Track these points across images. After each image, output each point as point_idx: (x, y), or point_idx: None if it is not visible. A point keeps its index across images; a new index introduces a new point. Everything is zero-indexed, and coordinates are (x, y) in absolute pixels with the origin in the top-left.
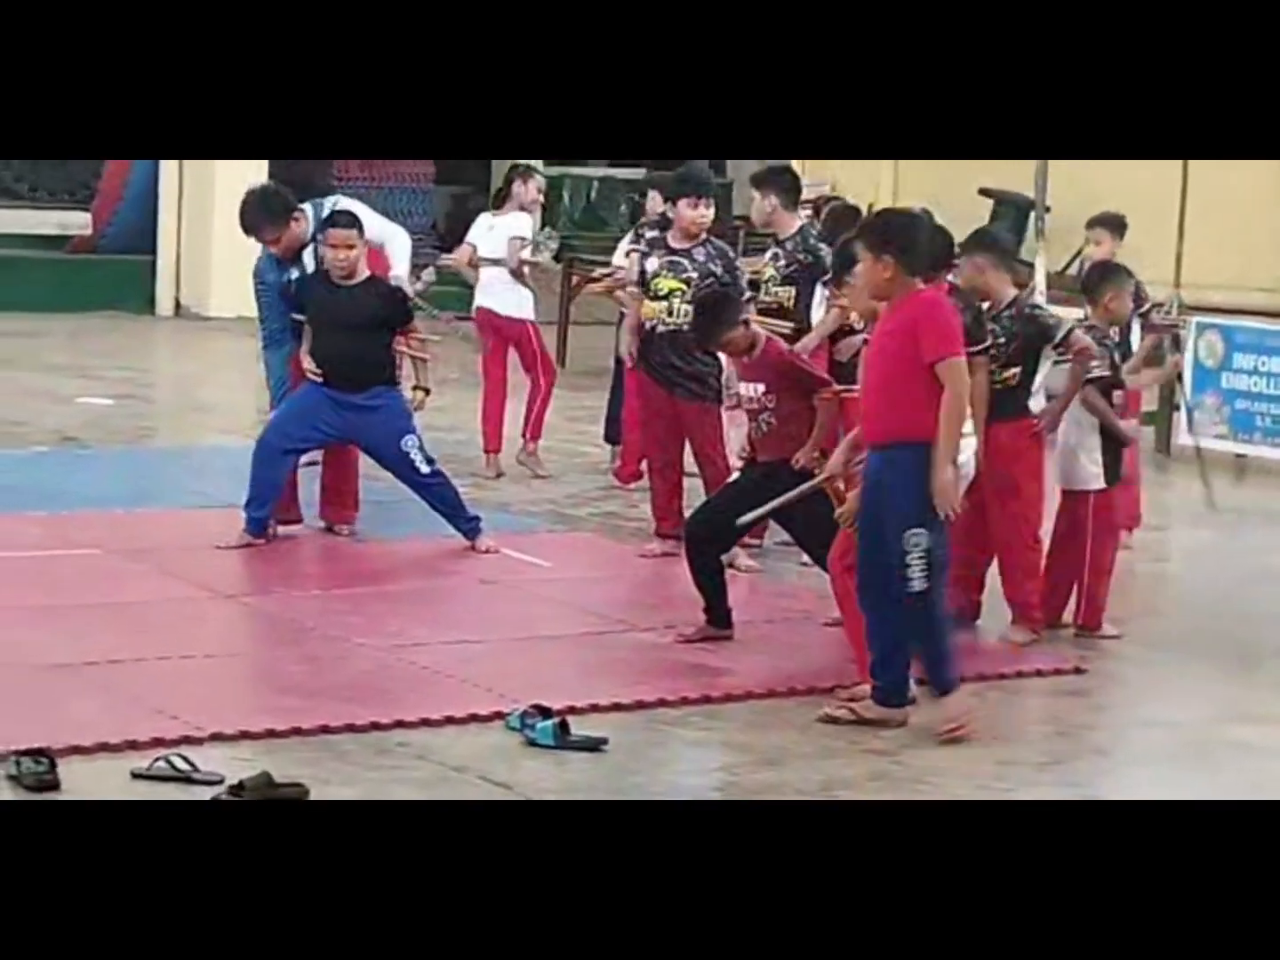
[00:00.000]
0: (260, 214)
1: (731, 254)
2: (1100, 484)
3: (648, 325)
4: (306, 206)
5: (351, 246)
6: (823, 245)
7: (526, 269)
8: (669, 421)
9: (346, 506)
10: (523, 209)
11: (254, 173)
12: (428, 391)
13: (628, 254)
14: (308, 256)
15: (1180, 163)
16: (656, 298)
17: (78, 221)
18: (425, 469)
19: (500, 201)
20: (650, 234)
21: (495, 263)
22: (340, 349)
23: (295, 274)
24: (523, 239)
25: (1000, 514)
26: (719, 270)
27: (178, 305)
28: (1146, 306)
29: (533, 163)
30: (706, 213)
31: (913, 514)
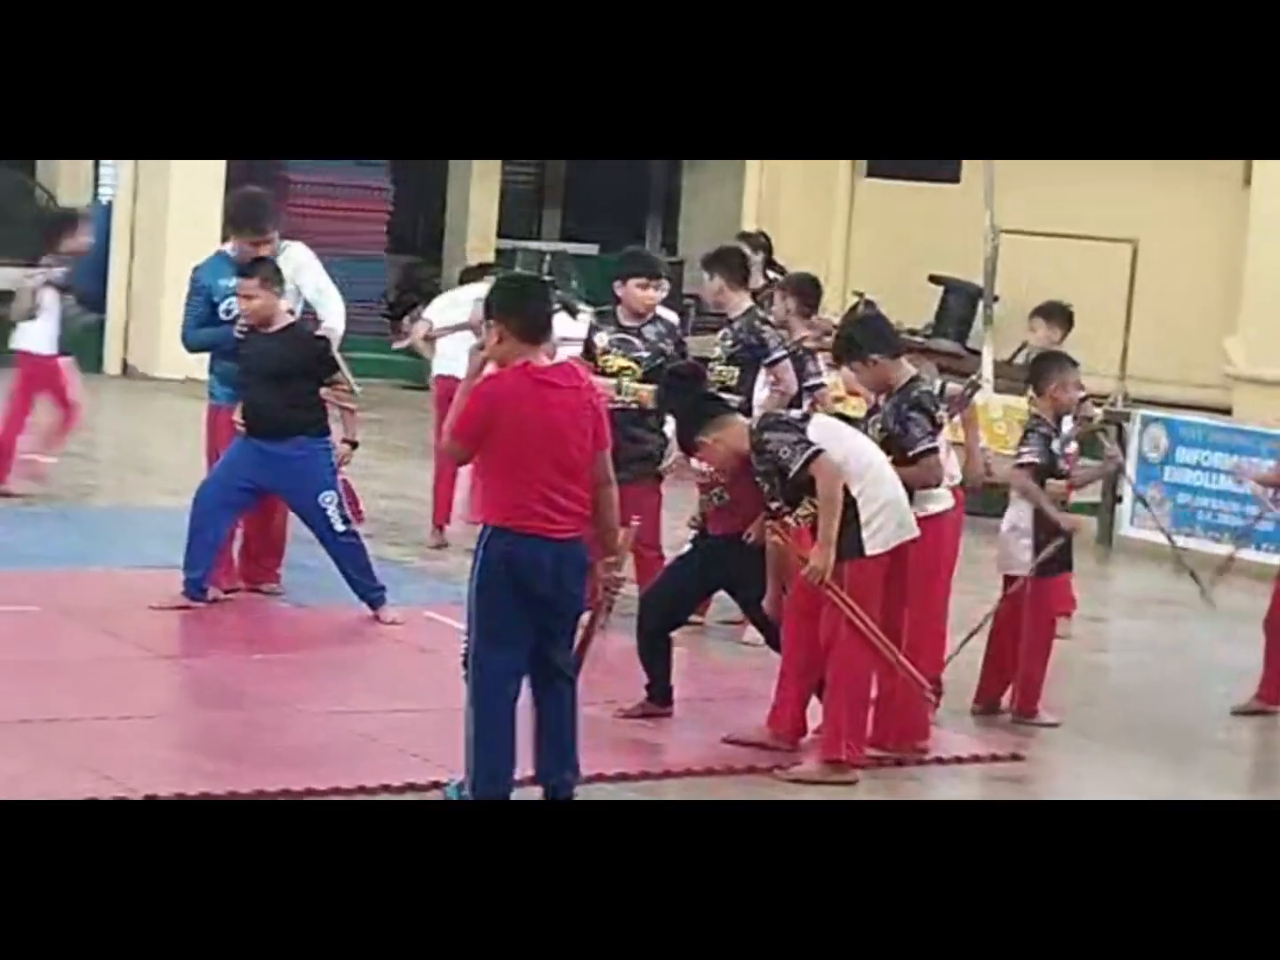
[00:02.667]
0: (269, 210)
1: (679, 331)
2: (1028, 570)
3: None
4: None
5: (250, 297)
6: (768, 328)
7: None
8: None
9: (269, 566)
10: None
11: (208, 237)
12: (354, 445)
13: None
14: None
15: (1130, 255)
16: (604, 374)
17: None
18: (340, 527)
19: (466, 281)
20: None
21: (458, 328)
22: (263, 397)
23: (230, 285)
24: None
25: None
26: (669, 349)
27: (125, 365)
28: (1080, 394)
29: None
30: (657, 294)
31: None
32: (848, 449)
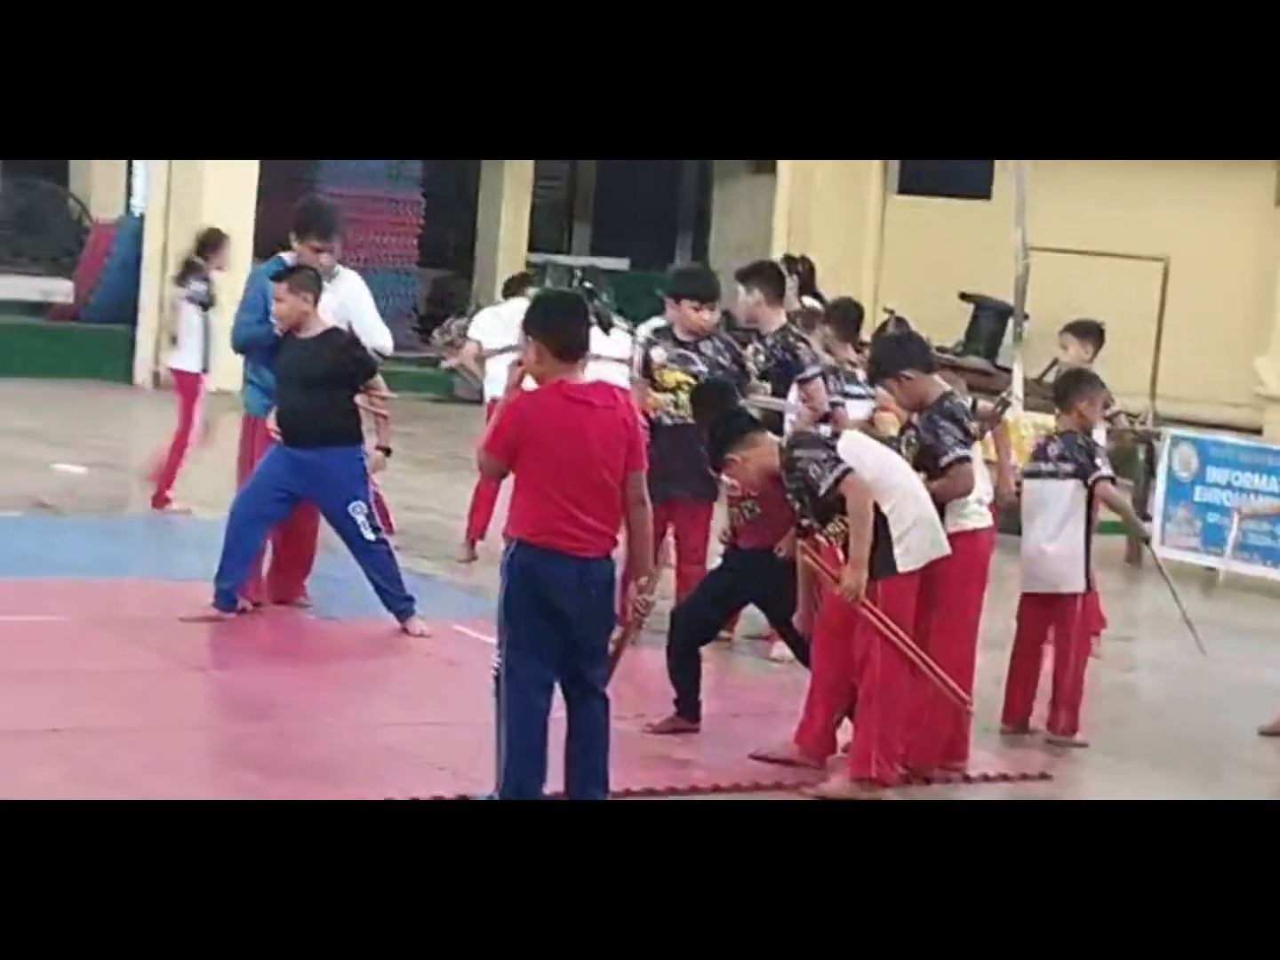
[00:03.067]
0: (331, 218)
1: (738, 346)
2: (1083, 587)
3: (653, 417)
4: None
5: (279, 300)
6: (801, 344)
7: None
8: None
9: (297, 578)
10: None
11: (240, 249)
12: (388, 451)
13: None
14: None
15: (1161, 274)
16: (662, 389)
17: (60, 289)
18: (370, 536)
19: (511, 293)
20: (657, 323)
21: (509, 349)
22: (297, 403)
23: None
24: None
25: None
26: (727, 363)
27: (156, 376)
28: (1110, 411)
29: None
30: (710, 317)
31: None
32: (878, 467)
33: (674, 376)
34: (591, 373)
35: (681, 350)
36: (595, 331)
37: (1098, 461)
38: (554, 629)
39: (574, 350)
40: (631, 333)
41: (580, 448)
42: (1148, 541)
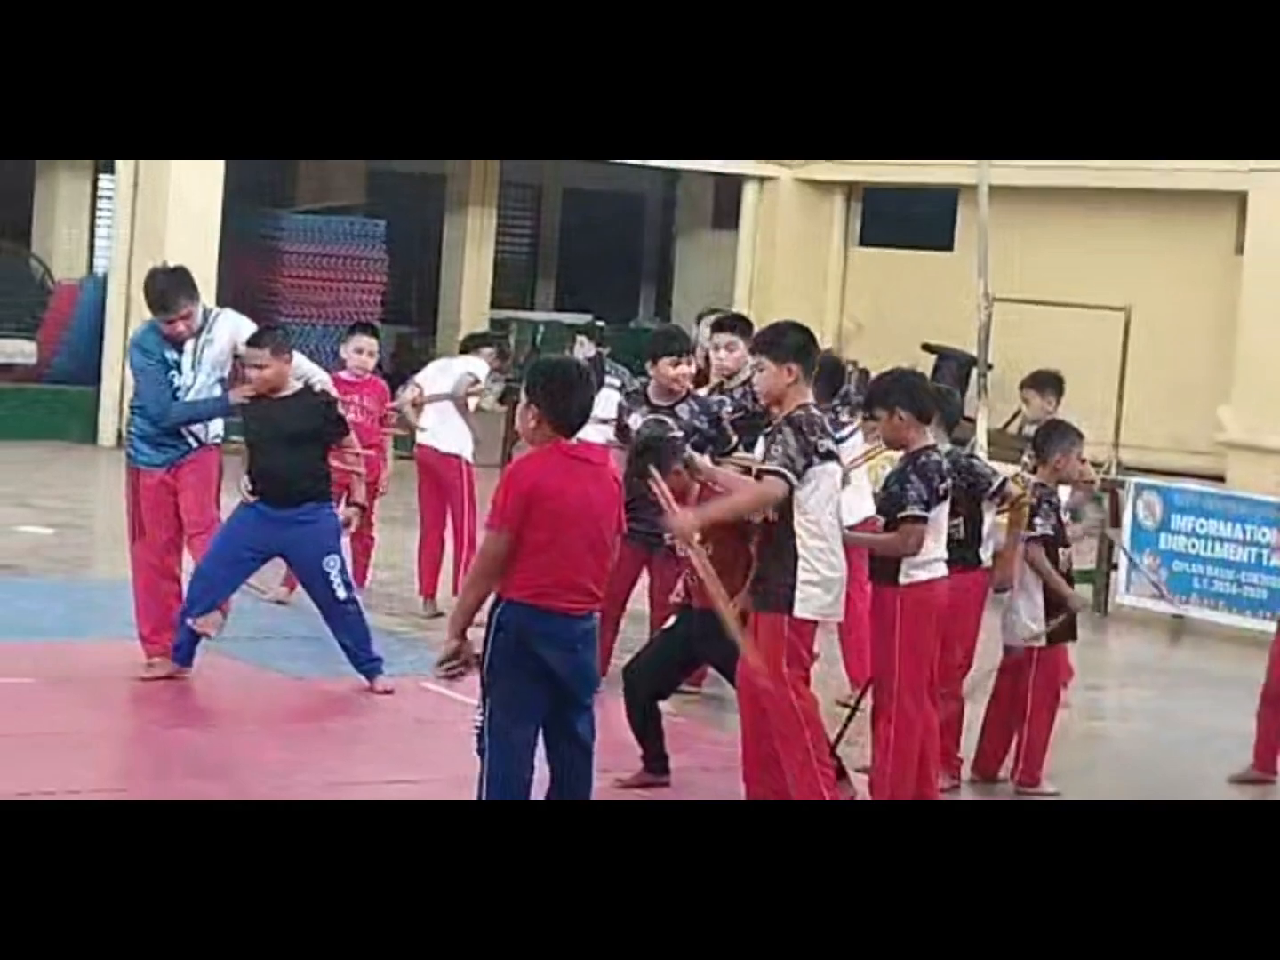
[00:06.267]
0: (174, 285)
1: (714, 408)
2: (1040, 641)
3: None
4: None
5: (263, 366)
6: None
7: (471, 401)
8: (629, 578)
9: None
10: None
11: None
12: (363, 509)
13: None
14: (188, 350)
15: (1123, 323)
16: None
17: (23, 350)
18: (342, 594)
19: (467, 350)
20: (630, 387)
21: (441, 396)
22: (273, 463)
23: (174, 356)
24: (476, 378)
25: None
26: (704, 425)
27: (120, 436)
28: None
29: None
30: (688, 370)
31: None
32: (833, 506)
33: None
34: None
35: (656, 415)
36: None
37: (1036, 521)
38: (542, 688)
39: (575, 425)
40: (621, 389)
41: (585, 506)
42: (1072, 606)
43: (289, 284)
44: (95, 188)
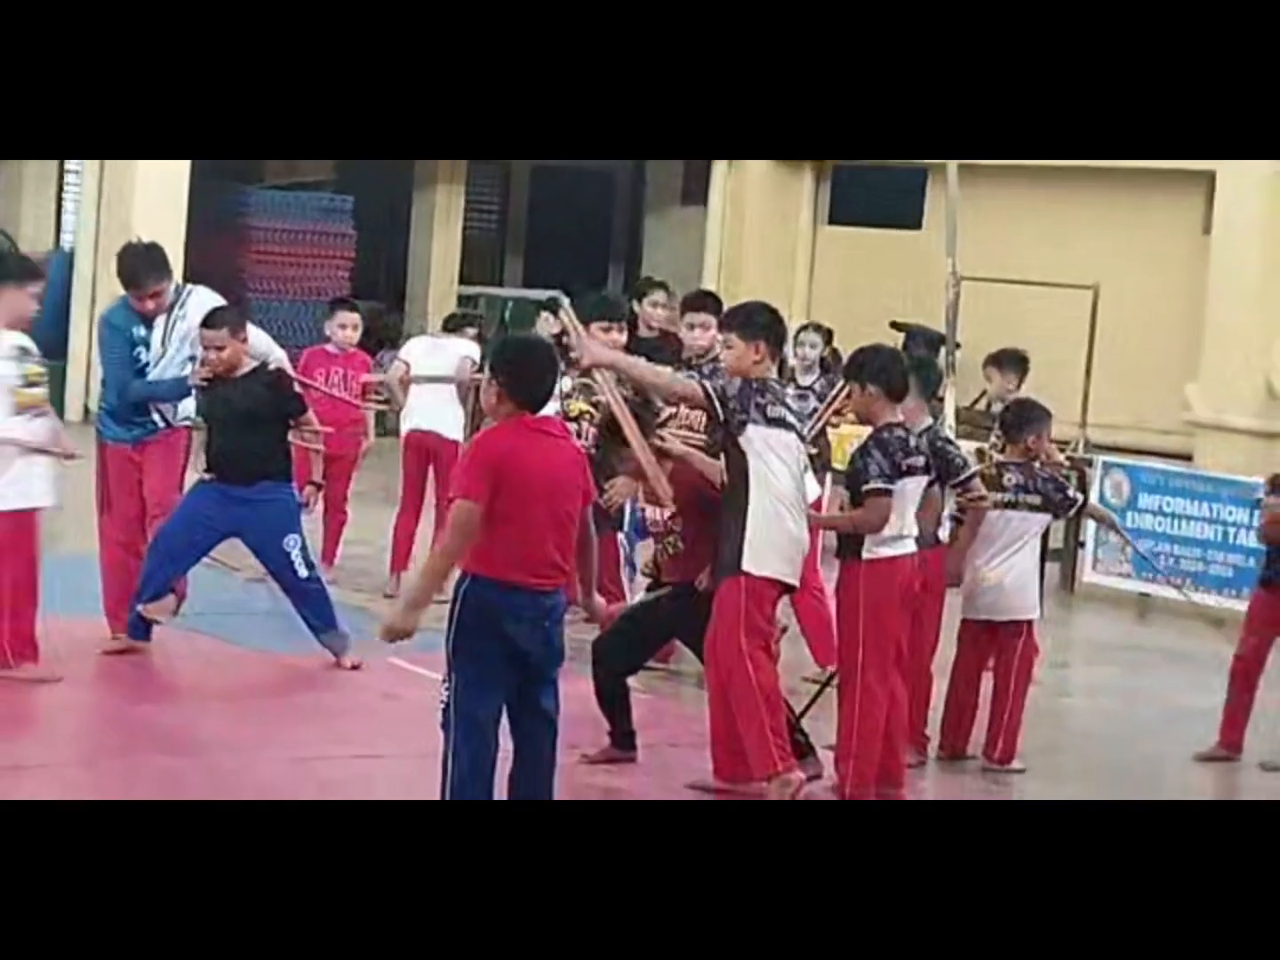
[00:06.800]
0: (146, 263)
1: None
2: (1037, 614)
3: None
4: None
5: (220, 347)
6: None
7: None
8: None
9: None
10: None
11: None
12: (319, 487)
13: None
14: (158, 325)
15: (1090, 302)
16: (566, 418)
17: None
18: (304, 572)
19: (451, 327)
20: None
21: (439, 379)
22: (229, 442)
23: (143, 332)
24: (475, 361)
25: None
26: (629, 392)
27: (86, 411)
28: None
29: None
30: (619, 338)
31: None
32: (789, 474)
33: (577, 406)
34: None
35: (584, 380)
36: None
37: (1071, 492)
38: (509, 664)
39: (540, 402)
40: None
41: (551, 479)
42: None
43: (257, 259)
44: (62, 163)
